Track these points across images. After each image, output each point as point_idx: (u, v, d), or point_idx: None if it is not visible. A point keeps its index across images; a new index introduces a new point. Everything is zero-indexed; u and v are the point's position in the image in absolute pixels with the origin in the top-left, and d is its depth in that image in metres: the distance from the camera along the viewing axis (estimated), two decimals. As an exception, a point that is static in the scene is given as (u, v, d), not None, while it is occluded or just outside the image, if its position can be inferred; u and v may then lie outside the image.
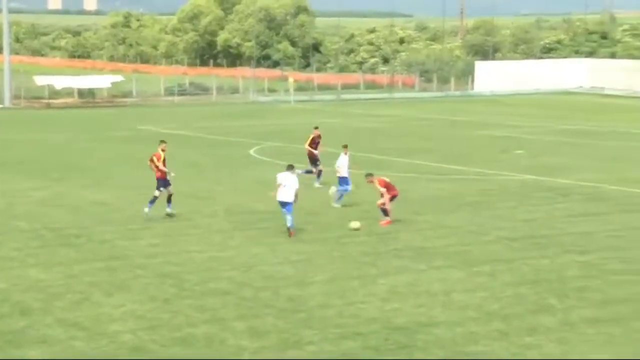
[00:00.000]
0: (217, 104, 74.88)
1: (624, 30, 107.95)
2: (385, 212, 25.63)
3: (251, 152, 42.61)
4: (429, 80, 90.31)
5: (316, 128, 33.28)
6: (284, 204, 24.29)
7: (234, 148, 43.85)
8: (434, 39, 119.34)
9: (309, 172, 32.38)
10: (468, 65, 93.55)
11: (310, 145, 32.48)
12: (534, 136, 49.64)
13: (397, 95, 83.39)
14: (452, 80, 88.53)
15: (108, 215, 27.02)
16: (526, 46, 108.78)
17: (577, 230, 24.93)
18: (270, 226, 25.36)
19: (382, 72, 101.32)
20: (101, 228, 25.22)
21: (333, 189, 28.58)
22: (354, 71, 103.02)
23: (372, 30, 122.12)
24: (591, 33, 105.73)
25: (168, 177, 26.50)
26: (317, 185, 31.79)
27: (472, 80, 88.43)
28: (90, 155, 41.95)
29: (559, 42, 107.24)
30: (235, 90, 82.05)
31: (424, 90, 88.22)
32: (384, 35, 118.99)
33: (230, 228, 25.28)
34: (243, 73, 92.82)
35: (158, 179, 26.50)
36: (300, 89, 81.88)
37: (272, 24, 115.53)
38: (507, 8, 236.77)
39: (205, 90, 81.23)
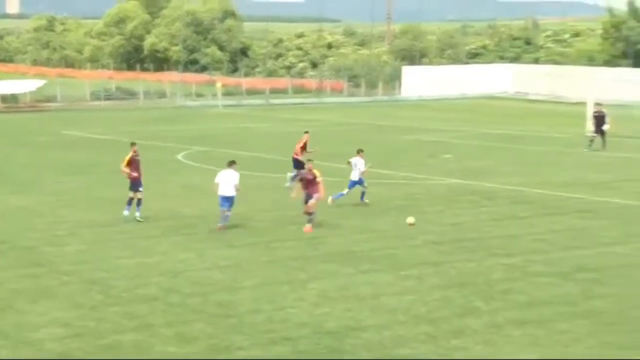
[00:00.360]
0: (144, 108, 74.15)
1: (547, 37, 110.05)
2: (310, 217, 25.58)
3: (179, 156, 42.33)
4: (357, 85, 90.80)
5: (306, 132, 33.27)
6: (226, 199, 24.72)
7: (161, 153, 43.45)
8: (362, 44, 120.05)
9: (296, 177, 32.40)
10: (395, 70, 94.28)
11: (301, 149, 32.34)
12: (460, 140, 50.25)
13: (325, 100, 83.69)
14: (380, 85, 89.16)
15: (32, 221, 26.57)
16: (452, 51, 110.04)
17: (503, 234, 25.29)
18: (198, 231, 25.22)
19: (311, 76, 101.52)
20: (26, 234, 24.78)
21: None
22: (282, 76, 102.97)
23: (301, 35, 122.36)
24: (515, 39, 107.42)
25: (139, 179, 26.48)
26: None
27: (400, 85, 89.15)
28: (13, 160, 41.19)
29: (484, 47, 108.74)
30: (162, 95, 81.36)
31: (352, 95, 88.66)
32: (312, 40, 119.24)
33: (158, 233, 25.06)
34: (170, 77, 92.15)
35: (131, 182, 26.49)
36: (228, 93, 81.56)
37: (200, 28, 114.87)
38: (433, 14, 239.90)
39: (132, 94, 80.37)
